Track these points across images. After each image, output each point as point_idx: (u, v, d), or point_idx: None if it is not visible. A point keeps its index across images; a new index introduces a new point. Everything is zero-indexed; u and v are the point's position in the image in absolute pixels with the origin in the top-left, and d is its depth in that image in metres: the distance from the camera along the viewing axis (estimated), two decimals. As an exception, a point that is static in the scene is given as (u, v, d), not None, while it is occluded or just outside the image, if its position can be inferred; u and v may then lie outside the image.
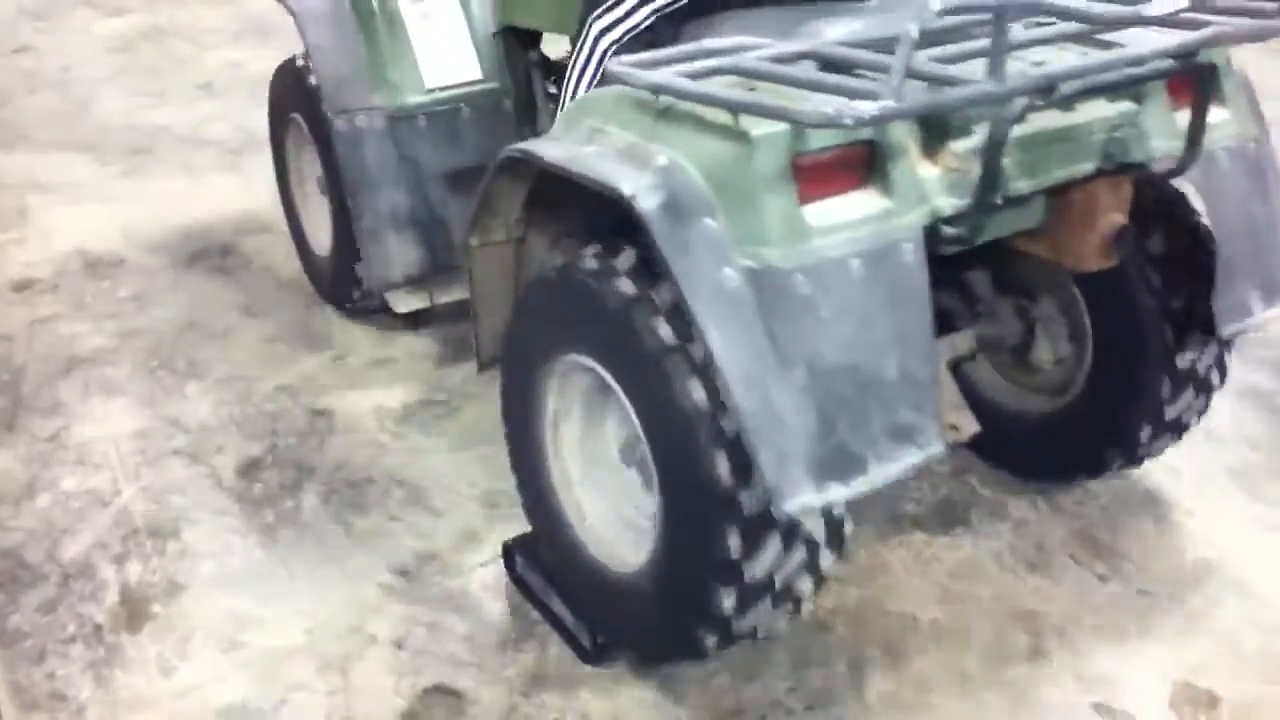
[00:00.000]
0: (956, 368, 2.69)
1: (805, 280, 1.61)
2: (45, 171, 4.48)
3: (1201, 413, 2.44)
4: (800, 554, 1.85)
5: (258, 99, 5.14)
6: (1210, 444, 2.81)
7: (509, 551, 2.38)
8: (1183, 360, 2.29)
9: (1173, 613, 2.32)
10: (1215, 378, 2.38)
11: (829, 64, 1.78)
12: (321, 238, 3.32)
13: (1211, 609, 2.32)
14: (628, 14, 2.23)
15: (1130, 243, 2.00)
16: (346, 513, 2.62)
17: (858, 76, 1.72)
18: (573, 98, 2.26)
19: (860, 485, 1.64)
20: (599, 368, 1.92)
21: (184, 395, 3.07)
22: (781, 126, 1.63)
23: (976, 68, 1.66)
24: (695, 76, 1.74)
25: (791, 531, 1.81)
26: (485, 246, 2.15)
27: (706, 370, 1.70)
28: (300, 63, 3.13)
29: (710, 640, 1.90)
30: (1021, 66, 1.76)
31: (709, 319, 1.61)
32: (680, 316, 1.71)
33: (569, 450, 2.16)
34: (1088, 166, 1.88)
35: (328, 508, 2.64)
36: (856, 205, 1.69)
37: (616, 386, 1.89)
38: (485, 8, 2.94)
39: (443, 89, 2.90)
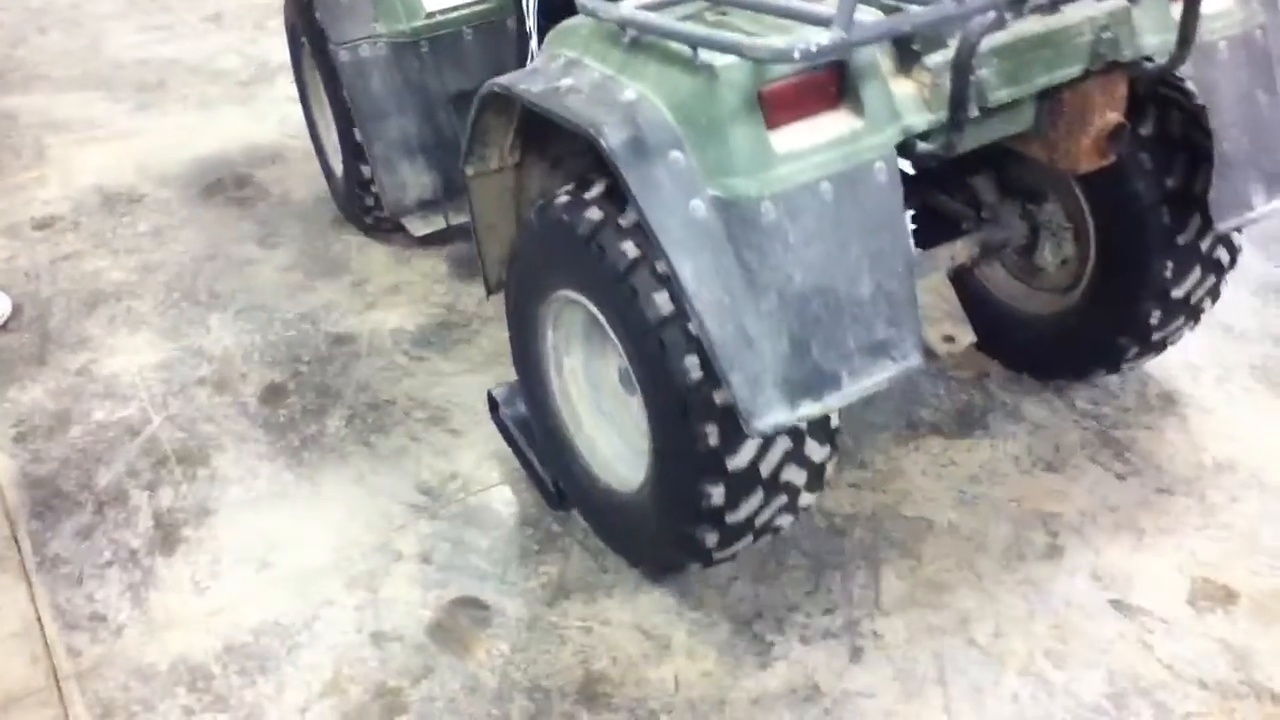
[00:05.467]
0: (959, 275, 2.67)
1: (773, 207, 1.62)
2: (60, 110, 4.49)
3: (1214, 294, 2.37)
4: (784, 445, 1.86)
5: (267, 29, 5.13)
6: (1231, 340, 2.79)
7: (493, 399, 2.49)
8: (1184, 238, 2.23)
9: (1191, 510, 2.32)
10: (1223, 255, 2.31)
11: None
12: (339, 159, 3.36)
13: (1230, 505, 2.32)
14: None
15: (1126, 141, 1.94)
16: (370, 435, 2.67)
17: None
18: (531, 19, 2.24)
19: (834, 400, 1.68)
20: (582, 298, 1.95)
21: (206, 326, 3.11)
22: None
23: None
24: (661, 7, 1.73)
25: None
26: (483, 175, 2.17)
27: (669, 280, 1.72)
28: None
29: (710, 538, 1.93)
30: None
31: (677, 251, 1.63)
32: (643, 235, 1.73)
33: (575, 384, 2.22)
34: (1074, 70, 1.82)
35: (351, 430, 2.68)
36: (826, 128, 1.69)
37: (596, 311, 1.92)
38: None
39: (443, 11, 2.94)
